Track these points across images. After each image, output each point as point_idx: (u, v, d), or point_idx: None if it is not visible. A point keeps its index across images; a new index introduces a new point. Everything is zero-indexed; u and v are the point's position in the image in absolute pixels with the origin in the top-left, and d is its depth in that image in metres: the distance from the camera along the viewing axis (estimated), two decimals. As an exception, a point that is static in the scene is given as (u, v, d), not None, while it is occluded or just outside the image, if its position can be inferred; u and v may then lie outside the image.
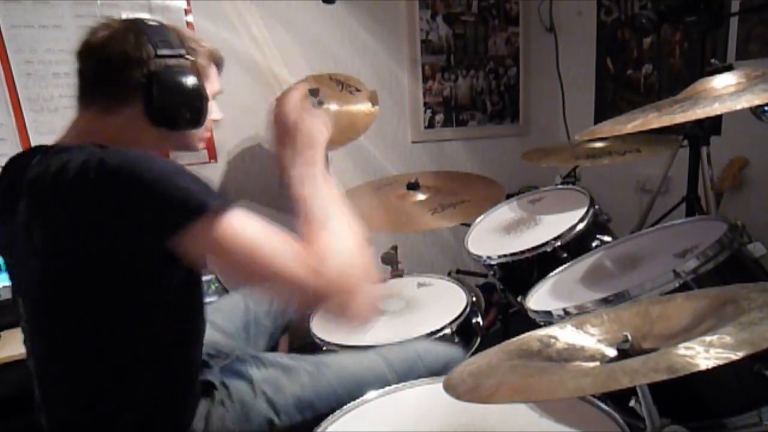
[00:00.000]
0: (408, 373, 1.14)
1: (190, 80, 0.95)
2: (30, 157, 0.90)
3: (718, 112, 0.97)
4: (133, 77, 0.91)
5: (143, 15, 1.03)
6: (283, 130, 1.03)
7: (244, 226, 0.83)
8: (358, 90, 1.97)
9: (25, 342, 0.97)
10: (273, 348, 1.48)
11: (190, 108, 0.96)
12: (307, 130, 1.02)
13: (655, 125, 1.00)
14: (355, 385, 1.08)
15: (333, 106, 1.94)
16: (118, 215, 0.79)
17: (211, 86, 1.02)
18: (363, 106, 1.92)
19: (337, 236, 0.90)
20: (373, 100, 1.93)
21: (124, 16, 0.98)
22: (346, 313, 0.88)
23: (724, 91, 1.09)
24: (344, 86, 1.99)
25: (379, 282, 0.89)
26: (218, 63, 1.05)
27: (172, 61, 0.94)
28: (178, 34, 0.97)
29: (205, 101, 0.98)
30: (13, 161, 0.96)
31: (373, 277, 0.92)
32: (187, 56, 0.96)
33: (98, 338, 0.88)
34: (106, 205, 0.79)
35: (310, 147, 1.00)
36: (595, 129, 1.19)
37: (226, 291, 1.79)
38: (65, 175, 0.80)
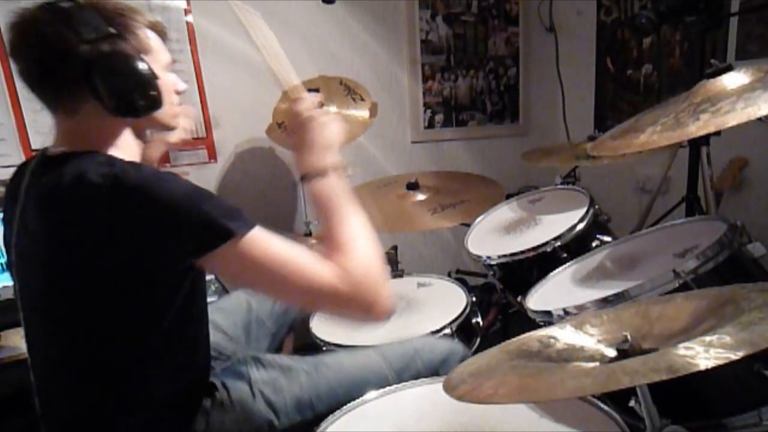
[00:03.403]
0: (405, 369, 1.14)
1: (131, 62, 0.86)
2: (37, 163, 0.91)
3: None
4: (68, 74, 0.84)
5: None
6: (302, 130, 1.03)
7: (269, 245, 0.86)
8: (362, 99, 1.98)
9: (26, 340, 0.97)
10: (278, 349, 1.46)
11: (143, 91, 0.88)
12: (326, 132, 1.03)
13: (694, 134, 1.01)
14: (354, 383, 1.08)
15: (332, 108, 1.94)
16: (132, 235, 0.80)
17: (159, 58, 0.94)
18: (359, 114, 1.93)
19: (357, 238, 0.93)
20: (373, 111, 1.94)
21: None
22: (372, 312, 0.90)
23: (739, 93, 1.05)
24: (351, 92, 2.00)
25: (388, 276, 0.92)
26: (158, 30, 0.96)
27: (104, 46, 0.84)
28: (102, 11, 0.86)
29: (155, 79, 0.90)
30: (23, 166, 0.96)
31: (387, 272, 0.94)
32: (120, 35, 0.86)
33: (101, 347, 0.88)
34: (121, 224, 0.80)
35: (327, 148, 1.02)
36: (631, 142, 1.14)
37: (226, 291, 1.78)
38: (80, 191, 0.80)
